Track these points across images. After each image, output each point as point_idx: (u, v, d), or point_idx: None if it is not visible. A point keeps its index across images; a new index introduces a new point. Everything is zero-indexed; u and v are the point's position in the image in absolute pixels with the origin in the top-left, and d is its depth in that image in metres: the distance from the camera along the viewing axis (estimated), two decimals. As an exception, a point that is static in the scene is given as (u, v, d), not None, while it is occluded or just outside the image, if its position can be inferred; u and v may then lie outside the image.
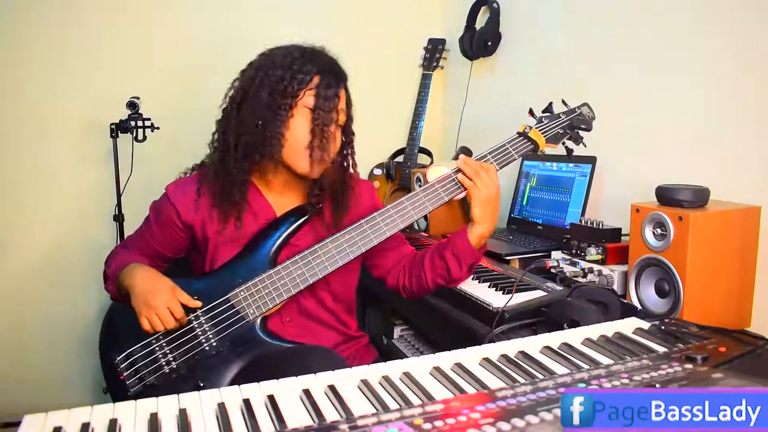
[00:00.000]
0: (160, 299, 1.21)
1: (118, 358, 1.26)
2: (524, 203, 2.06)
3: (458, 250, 1.32)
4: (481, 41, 2.31)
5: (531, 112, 1.45)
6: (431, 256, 1.37)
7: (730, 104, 1.48)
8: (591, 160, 1.78)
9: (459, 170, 1.31)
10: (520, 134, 1.39)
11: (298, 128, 1.25)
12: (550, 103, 1.45)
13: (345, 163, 1.38)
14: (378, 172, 2.55)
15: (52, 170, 2.13)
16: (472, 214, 1.29)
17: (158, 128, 2.04)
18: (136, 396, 1.20)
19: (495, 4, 2.27)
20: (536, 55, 2.18)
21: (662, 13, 1.65)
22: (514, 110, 2.28)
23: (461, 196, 1.33)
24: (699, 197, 1.31)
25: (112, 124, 2.01)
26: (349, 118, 1.34)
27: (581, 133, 1.45)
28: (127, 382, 1.25)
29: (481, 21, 2.37)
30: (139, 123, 2.00)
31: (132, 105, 1.98)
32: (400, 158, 2.55)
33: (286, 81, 1.24)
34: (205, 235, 1.33)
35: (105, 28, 2.13)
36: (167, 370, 1.24)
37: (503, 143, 1.37)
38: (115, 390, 1.28)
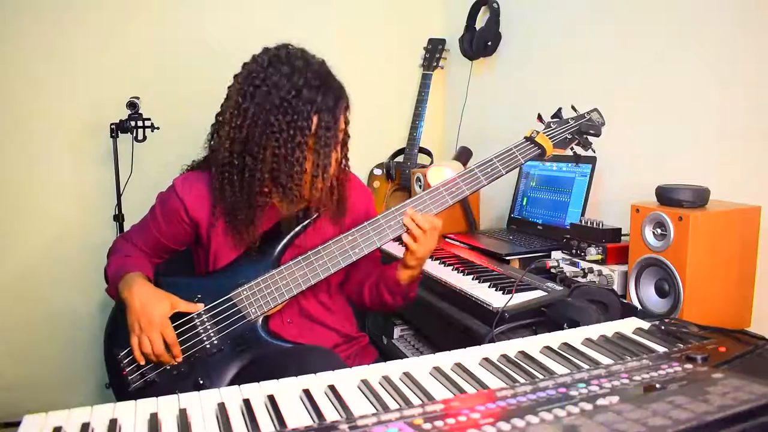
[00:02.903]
0: (154, 324, 1.21)
1: (120, 354, 1.27)
2: (524, 203, 2.06)
3: (390, 285, 1.35)
4: (481, 41, 2.31)
5: (540, 117, 1.45)
6: (371, 283, 1.41)
7: (730, 104, 1.48)
8: (591, 160, 1.78)
9: (468, 172, 1.32)
10: (527, 139, 1.38)
11: (303, 164, 1.24)
12: (559, 109, 1.45)
13: (343, 167, 1.37)
14: (378, 172, 2.55)
15: (52, 170, 2.13)
16: (405, 261, 1.31)
17: (158, 128, 2.04)
18: (138, 392, 1.22)
19: (495, 4, 2.27)
20: (536, 55, 2.18)
21: (662, 13, 1.65)
22: (514, 110, 2.29)
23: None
24: (699, 197, 1.31)
25: (112, 124, 2.01)
26: (347, 134, 1.34)
27: (590, 138, 1.45)
28: (129, 378, 1.25)
29: (481, 21, 2.37)
30: (139, 123, 2.00)
31: (132, 105, 1.98)
32: (400, 158, 2.55)
33: (289, 129, 1.20)
34: (209, 232, 1.33)
35: (105, 28, 2.13)
36: (168, 367, 1.24)
37: (510, 148, 1.37)
38: (117, 385, 1.29)
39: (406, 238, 1.28)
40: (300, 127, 1.20)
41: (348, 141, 1.34)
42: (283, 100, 1.20)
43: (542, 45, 2.14)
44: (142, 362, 1.23)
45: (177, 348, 1.23)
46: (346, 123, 1.31)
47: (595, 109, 1.47)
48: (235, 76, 1.29)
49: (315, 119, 1.21)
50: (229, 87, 1.30)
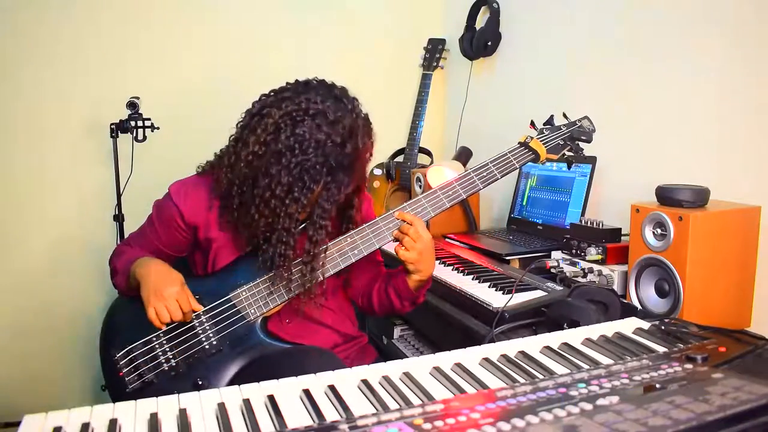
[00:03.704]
0: (170, 290, 1.21)
1: (117, 355, 1.27)
2: (524, 203, 2.06)
3: (399, 290, 1.35)
4: (481, 41, 2.31)
5: (532, 124, 1.49)
6: (379, 286, 1.41)
7: (730, 104, 1.48)
8: (591, 160, 1.78)
9: (466, 175, 1.33)
10: (521, 144, 1.42)
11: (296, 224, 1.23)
12: (551, 116, 1.49)
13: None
14: (378, 172, 2.55)
15: (52, 170, 2.13)
16: (406, 267, 1.30)
17: (158, 128, 2.03)
18: (135, 393, 1.21)
19: (495, 4, 2.27)
20: (536, 55, 2.18)
21: (662, 13, 1.65)
22: (514, 110, 2.29)
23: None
24: (699, 197, 1.31)
25: (112, 124, 2.01)
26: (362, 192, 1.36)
27: (581, 144, 1.48)
28: (126, 379, 1.25)
29: (481, 21, 2.37)
30: (139, 123, 1.99)
31: (132, 105, 1.98)
32: (400, 158, 2.55)
33: (292, 189, 1.18)
34: (207, 236, 1.33)
35: (105, 27, 2.13)
36: (166, 368, 1.24)
37: (505, 152, 1.39)
38: (114, 387, 1.29)
39: (396, 247, 1.28)
40: (307, 188, 1.17)
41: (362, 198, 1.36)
42: (304, 158, 1.15)
43: (542, 45, 2.14)
44: (164, 328, 1.23)
45: (190, 315, 1.24)
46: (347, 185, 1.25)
47: (586, 117, 1.51)
48: (279, 97, 1.21)
49: (318, 188, 1.19)
50: (268, 99, 1.23)
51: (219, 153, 1.34)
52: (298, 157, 1.16)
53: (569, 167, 1.52)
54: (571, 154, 1.47)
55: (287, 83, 1.25)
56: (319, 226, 1.22)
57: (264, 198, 1.19)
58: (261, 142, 1.18)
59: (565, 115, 1.50)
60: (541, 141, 1.42)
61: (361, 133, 1.22)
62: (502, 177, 1.36)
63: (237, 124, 1.28)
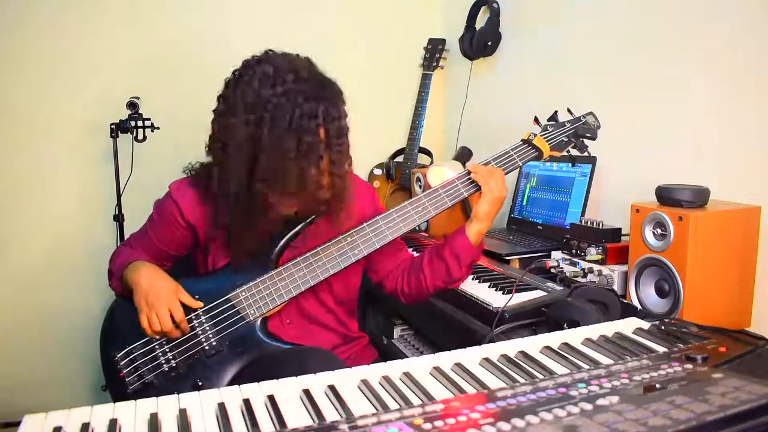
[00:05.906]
0: (161, 299, 1.21)
1: (118, 356, 1.27)
2: (524, 203, 2.06)
3: (457, 249, 1.33)
4: (481, 41, 2.31)
5: (536, 120, 1.46)
6: (429, 258, 1.38)
7: (730, 104, 1.48)
8: (591, 160, 1.78)
9: (467, 174, 1.33)
10: (524, 141, 1.40)
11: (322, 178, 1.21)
12: (555, 112, 1.46)
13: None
14: (378, 172, 2.55)
15: (52, 170, 2.13)
16: (477, 211, 1.30)
17: (158, 128, 2.03)
18: (135, 394, 1.21)
19: (495, 4, 2.27)
20: (536, 55, 2.18)
21: (662, 13, 1.65)
22: (514, 110, 2.29)
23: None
24: (699, 197, 1.31)
25: (112, 124, 2.01)
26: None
27: (586, 141, 1.46)
28: (127, 380, 1.25)
29: (481, 21, 2.37)
30: (139, 123, 2.00)
31: (132, 105, 1.98)
32: (400, 158, 2.55)
33: (300, 149, 1.16)
34: (206, 235, 1.33)
35: (104, 27, 2.13)
36: (166, 369, 1.24)
37: (507, 150, 1.38)
38: (114, 387, 1.29)
39: (476, 177, 1.30)
40: (310, 143, 1.16)
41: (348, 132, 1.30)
42: (291, 122, 1.14)
43: (542, 45, 2.14)
44: (157, 337, 1.24)
45: (184, 324, 1.24)
46: (345, 115, 1.26)
47: (591, 113, 1.49)
48: (225, 98, 1.24)
49: (321, 132, 1.17)
50: (218, 112, 1.25)
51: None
52: (282, 118, 1.14)
53: (573, 164, 1.51)
54: (575, 150, 1.46)
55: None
56: (337, 151, 1.20)
57: (280, 169, 1.16)
58: (244, 140, 1.17)
59: (569, 111, 1.48)
60: (544, 138, 1.40)
61: (298, 56, 1.24)
62: (504, 175, 1.36)
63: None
